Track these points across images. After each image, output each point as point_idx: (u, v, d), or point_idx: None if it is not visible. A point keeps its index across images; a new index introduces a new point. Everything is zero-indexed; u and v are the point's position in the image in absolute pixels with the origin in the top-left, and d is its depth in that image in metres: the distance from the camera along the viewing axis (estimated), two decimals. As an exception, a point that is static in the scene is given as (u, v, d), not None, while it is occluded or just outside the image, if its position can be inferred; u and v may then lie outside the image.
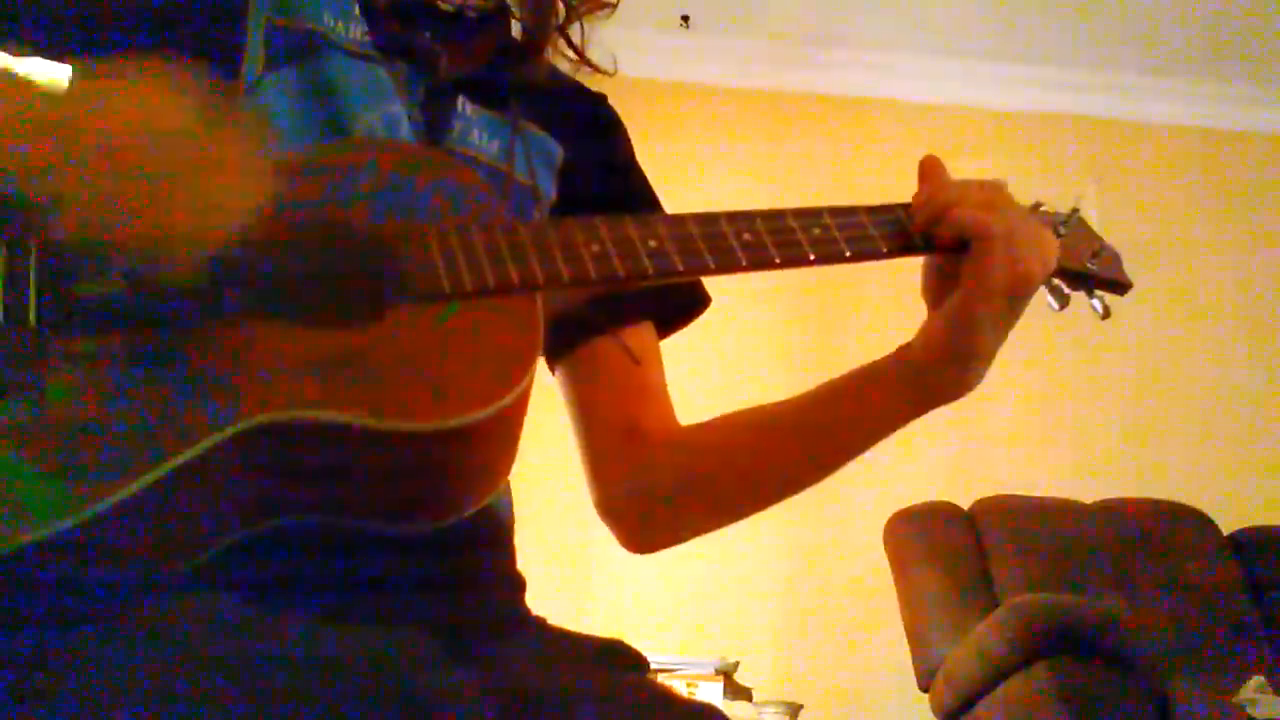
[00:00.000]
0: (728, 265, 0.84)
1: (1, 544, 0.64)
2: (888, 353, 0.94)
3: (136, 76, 0.72)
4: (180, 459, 0.68)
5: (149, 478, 0.67)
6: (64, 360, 0.70)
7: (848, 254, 0.87)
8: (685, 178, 3.74)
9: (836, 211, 0.89)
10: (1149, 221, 4.00)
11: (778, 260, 0.85)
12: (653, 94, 3.90)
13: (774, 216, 0.87)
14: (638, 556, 1.09)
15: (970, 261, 0.86)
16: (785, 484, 1.00)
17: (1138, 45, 4.04)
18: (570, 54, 1.06)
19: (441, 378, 0.75)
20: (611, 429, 1.04)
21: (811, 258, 0.86)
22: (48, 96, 0.73)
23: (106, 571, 0.68)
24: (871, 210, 0.90)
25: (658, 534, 1.06)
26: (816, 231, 0.87)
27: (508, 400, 0.75)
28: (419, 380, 0.74)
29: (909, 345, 0.92)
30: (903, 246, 0.89)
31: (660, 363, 1.07)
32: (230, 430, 0.69)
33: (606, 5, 1.07)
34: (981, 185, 0.90)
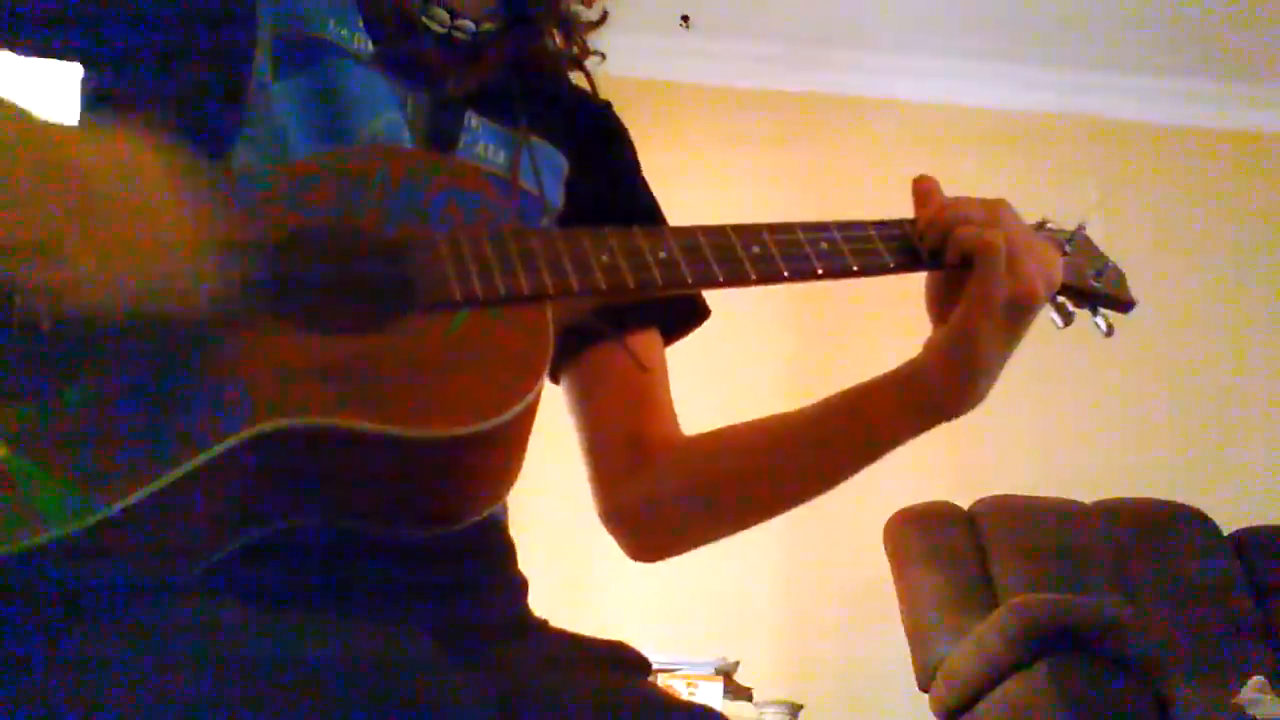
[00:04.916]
0: (736, 278, 0.84)
1: (14, 546, 0.64)
2: (894, 367, 0.94)
3: (126, 139, 0.73)
4: (192, 464, 0.68)
5: (161, 482, 0.67)
6: (77, 366, 0.70)
7: (855, 268, 0.87)
8: (685, 178, 3.74)
9: (844, 225, 0.89)
10: (1149, 221, 4.00)
11: (786, 274, 0.85)
12: (653, 94, 3.90)
13: (782, 230, 0.87)
14: (639, 556, 1.09)
15: (974, 278, 0.86)
16: (789, 496, 1.01)
17: (1138, 45, 4.04)
18: (572, 63, 1.07)
19: (453, 385, 0.75)
20: (617, 437, 1.05)
21: (819, 272, 0.86)
22: (33, 141, 0.73)
23: (113, 575, 0.69)
24: (879, 225, 0.90)
25: (661, 543, 1.07)
26: (824, 245, 0.87)
27: (518, 409, 0.75)
28: (431, 387, 0.75)
29: (914, 360, 0.92)
30: (909, 262, 0.89)
31: (666, 372, 1.08)
32: (242, 435, 0.69)
33: (600, 22, 1.08)
34: (985, 203, 0.90)
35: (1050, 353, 3.73)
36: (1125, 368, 3.94)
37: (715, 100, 4.06)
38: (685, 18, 3.94)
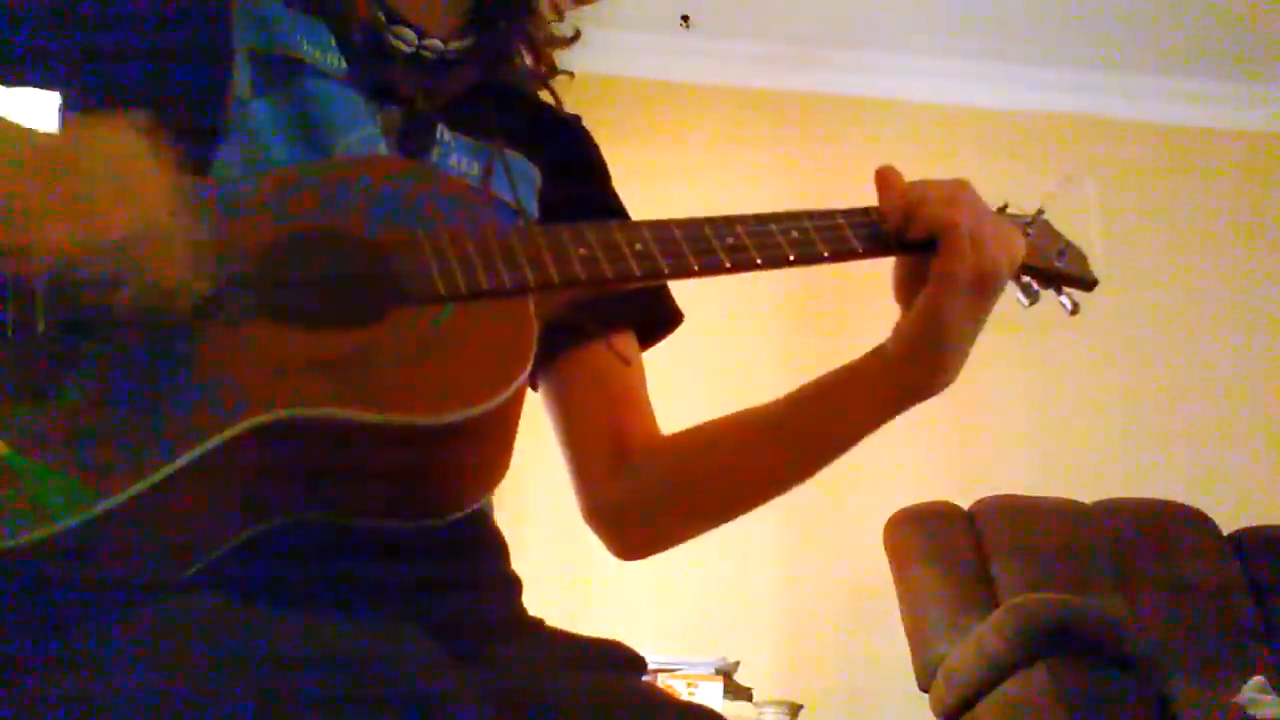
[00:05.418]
0: (711, 267, 0.87)
1: (16, 540, 0.65)
2: (863, 353, 0.96)
3: (113, 133, 0.74)
4: (189, 456, 0.69)
5: (159, 475, 0.68)
6: (74, 365, 0.72)
7: (825, 254, 0.91)
8: (686, 178, 3.74)
9: (814, 215, 0.92)
10: (1148, 221, 4.00)
11: (759, 261, 0.88)
12: (653, 94, 3.90)
13: (755, 220, 0.90)
14: (638, 556, 1.10)
15: (938, 257, 0.89)
16: (768, 487, 1.02)
17: (1138, 45, 4.04)
18: (541, 77, 1.09)
19: (441, 374, 0.77)
20: (598, 437, 1.07)
21: (791, 258, 0.89)
22: (24, 142, 0.74)
23: (113, 573, 0.69)
24: (847, 213, 0.94)
25: (646, 540, 1.08)
26: (795, 234, 0.90)
27: (506, 395, 0.77)
28: (420, 377, 0.77)
29: (883, 345, 0.95)
30: (877, 247, 0.93)
31: (643, 372, 1.10)
32: (238, 428, 0.71)
33: (572, 40, 1.10)
34: (944, 184, 0.93)
35: (1050, 352, 3.74)
36: (1125, 368, 3.94)
37: (715, 100, 4.05)
38: (685, 18, 3.94)
